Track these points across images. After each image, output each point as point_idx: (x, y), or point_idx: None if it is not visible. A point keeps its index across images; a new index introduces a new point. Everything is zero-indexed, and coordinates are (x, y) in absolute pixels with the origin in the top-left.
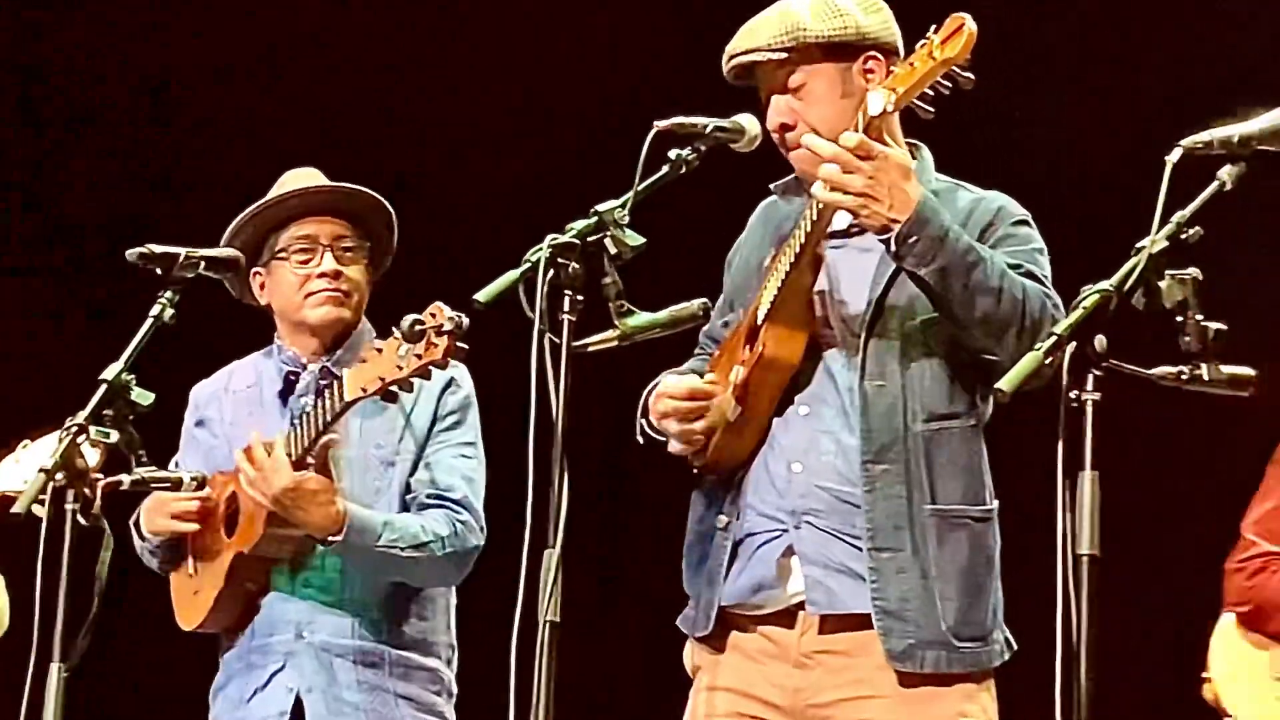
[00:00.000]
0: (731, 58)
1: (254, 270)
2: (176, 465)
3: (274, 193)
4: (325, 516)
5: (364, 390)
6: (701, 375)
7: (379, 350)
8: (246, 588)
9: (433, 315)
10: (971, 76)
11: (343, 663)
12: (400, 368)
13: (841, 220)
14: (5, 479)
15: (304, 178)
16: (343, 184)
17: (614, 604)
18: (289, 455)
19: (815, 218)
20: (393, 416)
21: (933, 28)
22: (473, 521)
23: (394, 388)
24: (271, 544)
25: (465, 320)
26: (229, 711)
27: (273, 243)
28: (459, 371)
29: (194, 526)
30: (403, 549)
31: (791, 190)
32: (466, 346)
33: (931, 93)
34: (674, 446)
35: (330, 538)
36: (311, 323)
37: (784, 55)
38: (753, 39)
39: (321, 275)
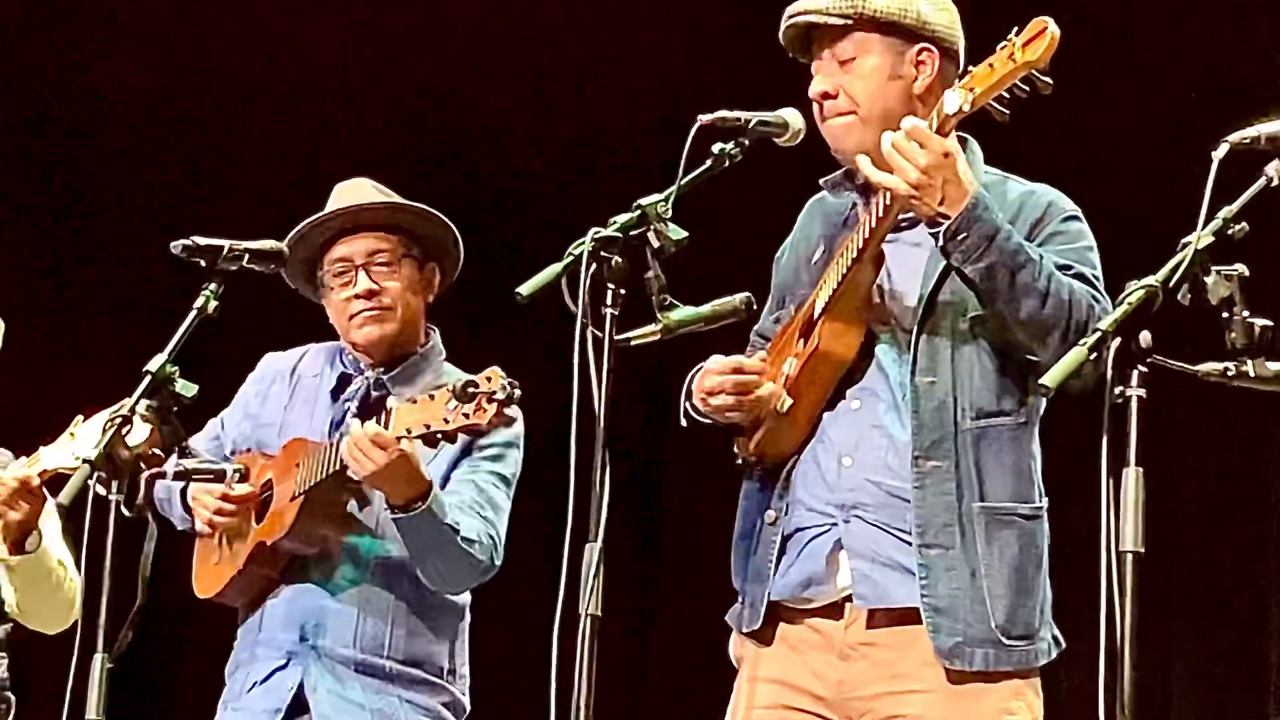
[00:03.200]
0: (790, 17)
1: (320, 291)
2: (222, 424)
3: (328, 208)
4: (417, 486)
5: (408, 431)
6: None
7: (431, 396)
8: (263, 574)
9: (488, 379)
10: (1050, 81)
11: (346, 670)
12: (446, 420)
13: None
14: (59, 457)
15: (352, 190)
16: (371, 201)
17: (656, 596)
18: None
19: (881, 214)
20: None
21: (1014, 30)
22: (499, 544)
23: (437, 436)
24: (296, 541)
25: (517, 390)
26: (233, 698)
27: (320, 268)
28: (519, 414)
29: (215, 526)
30: (460, 536)
31: (840, 185)
32: (516, 415)
33: (1008, 95)
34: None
35: (415, 503)
36: (360, 344)
37: (842, 22)
38: (815, 1)
39: (358, 297)
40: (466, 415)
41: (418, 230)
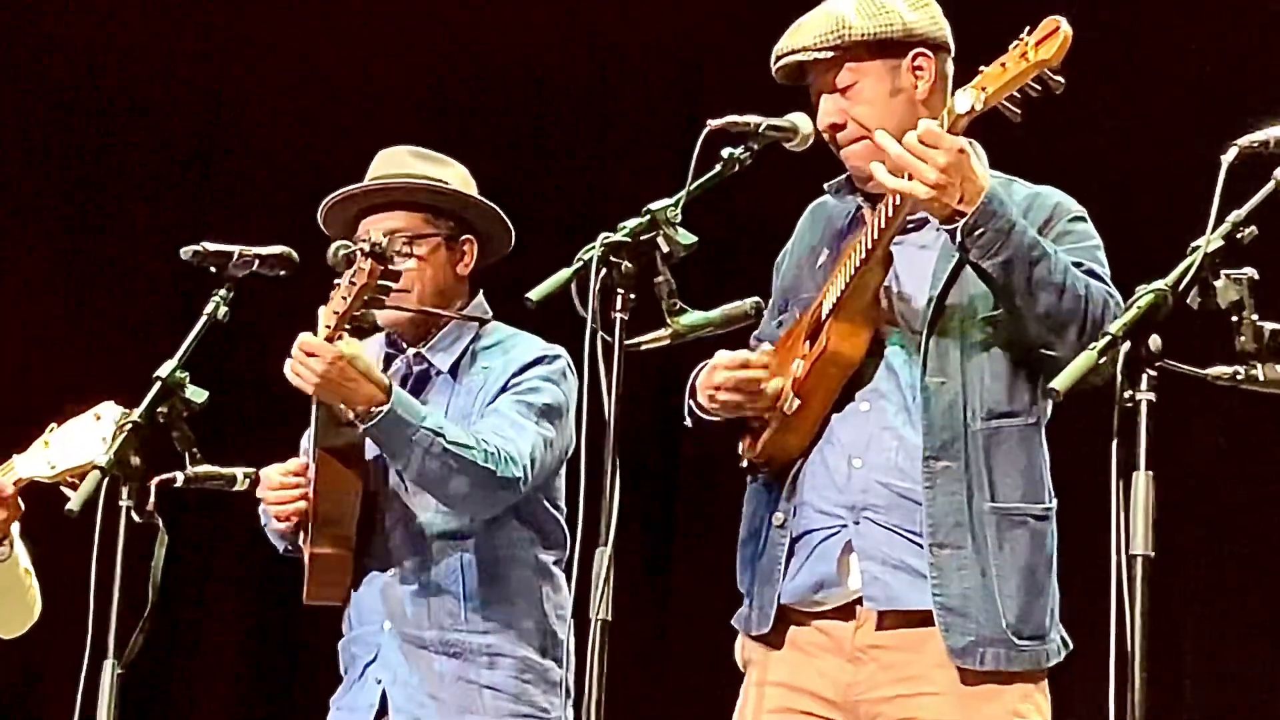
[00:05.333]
0: (779, 58)
1: None
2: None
3: (366, 177)
4: (371, 388)
5: (328, 327)
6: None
7: (335, 285)
8: (330, 553)
9: (362, 239)
10: (1063, 80)
11: (426, 654)
12: (345, 299)
13: None
14: (33, 466)
15: (390, 159)
16: (370, 184)
17: (667, 601)
18: None
19: (890, 214)
20: (474, 390)
21: (1026, 29)
22: (519, 457)
23: (359, 324)
24: (333, 500)
25: (385, 239)
26: (338, 697)
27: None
28: (561, 351)
29: (285, 525)
30: (447, 442)
31: (844, 189)
32: (399, 268)
33: (1019, 95)
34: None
35: (375, 409)
36: (383, 324)
37: (830, 55)
38: (799, 39)
39: None
40: (355, 283)
41: (447, 206)
